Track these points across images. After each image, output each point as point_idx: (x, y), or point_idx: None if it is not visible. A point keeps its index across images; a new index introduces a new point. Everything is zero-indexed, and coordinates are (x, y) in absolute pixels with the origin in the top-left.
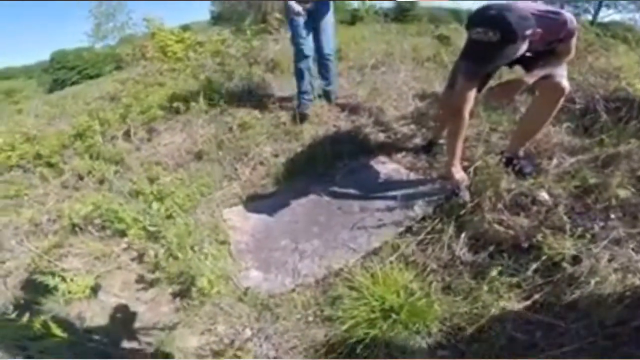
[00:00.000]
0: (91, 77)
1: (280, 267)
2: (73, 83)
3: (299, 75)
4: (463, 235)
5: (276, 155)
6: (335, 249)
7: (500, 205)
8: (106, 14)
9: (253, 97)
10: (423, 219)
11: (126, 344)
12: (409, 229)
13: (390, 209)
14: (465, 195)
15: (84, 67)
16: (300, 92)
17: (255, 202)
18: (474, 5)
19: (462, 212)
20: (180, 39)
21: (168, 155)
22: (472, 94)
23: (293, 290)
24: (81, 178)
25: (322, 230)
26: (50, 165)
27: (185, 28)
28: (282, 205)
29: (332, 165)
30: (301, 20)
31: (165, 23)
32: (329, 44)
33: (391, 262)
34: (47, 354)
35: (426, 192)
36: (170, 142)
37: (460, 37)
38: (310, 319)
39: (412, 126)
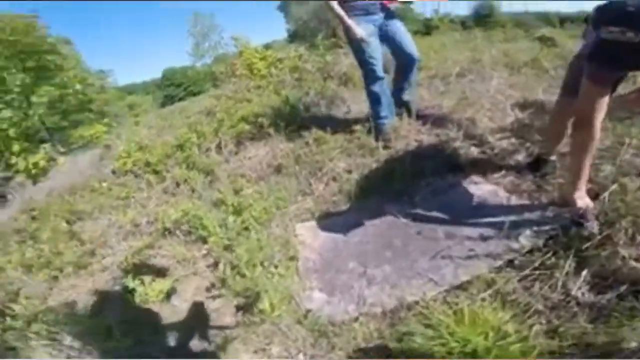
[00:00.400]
0: (194, 94)
1: (345, 292)
2: (180, 99)
3: (375, 100)
4: (584, 272)
5: (349, 171)
6: (411, 279)
7: None
8: (202, 33)
9: (328, 111)
10: (530, 251)
11: (183, 353)
12: (509, 263)
13: (484, 238)
14: (593, 226)
15: (188, 85)
16: (379, 118)
17: (326, 219)
18: (563, 7)
19: (586, 245)
20: (263, 57)
21: (252, 168)
22: (604, 101)
23: (356, 319)
24: (178, 185)
25: (396, 256)
26: (155, 172)
27: (267, 47)
28: (353, 225)
29: (413, 184)
30: (371, 38)
31: (250, 42)
32: (412, 46)
33: (483, 300)
34: (109, 353)
35: (534, 220)
36: (255, 155)
37: (564, 39)
38: (372, 354)
39: (513, 140)
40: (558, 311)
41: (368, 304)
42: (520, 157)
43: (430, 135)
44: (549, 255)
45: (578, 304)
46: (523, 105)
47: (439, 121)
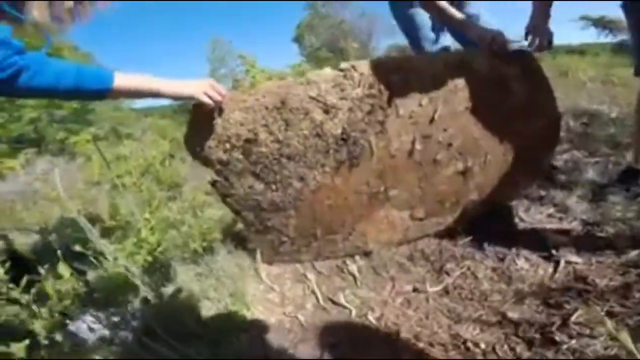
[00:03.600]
0: None
1: None
2: None
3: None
4: None
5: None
6: None
7: None
8: (219, 59)
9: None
10: None
11: None
12: None
13: None
14: None
15: None
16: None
17: None
18: None
19: None
20: (269, 77)
21: None
22: None
23: None
24: None
25: None
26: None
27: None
28: None
29: None
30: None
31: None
32: None
33: None
34: None
35: None
36: None
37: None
38: None
39: (575, 152)
40: None
41: None
42: (589, 175)
43: None
44: None
45: None
46: (573, 115)
47: None
